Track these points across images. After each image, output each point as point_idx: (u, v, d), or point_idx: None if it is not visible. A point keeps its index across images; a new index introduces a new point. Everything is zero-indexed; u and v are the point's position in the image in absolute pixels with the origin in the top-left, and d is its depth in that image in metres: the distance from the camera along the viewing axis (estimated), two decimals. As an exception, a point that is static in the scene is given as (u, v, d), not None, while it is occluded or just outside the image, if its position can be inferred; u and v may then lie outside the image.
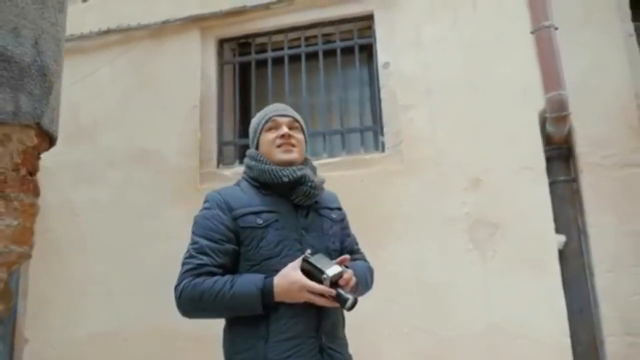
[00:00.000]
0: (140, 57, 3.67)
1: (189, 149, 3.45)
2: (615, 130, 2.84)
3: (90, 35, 3.74)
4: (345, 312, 1.53)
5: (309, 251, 1.44)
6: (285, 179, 1.55)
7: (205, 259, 1.48)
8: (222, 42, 3.69)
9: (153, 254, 3.31)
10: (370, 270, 1.71)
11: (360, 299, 1.43)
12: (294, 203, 1.58)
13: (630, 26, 2.96)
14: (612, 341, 2.68)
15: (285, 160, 1.59)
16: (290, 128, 1.65)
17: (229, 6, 3.54)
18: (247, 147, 3.50)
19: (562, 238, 2.84)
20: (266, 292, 1.41)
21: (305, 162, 1.68)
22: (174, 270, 3.29)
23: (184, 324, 3.09)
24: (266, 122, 1.67)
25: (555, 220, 2.83)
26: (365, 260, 1.75)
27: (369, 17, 3.40)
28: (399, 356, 2.83)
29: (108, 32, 3.72)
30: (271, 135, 1.63)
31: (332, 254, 1.55)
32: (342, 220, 1.73)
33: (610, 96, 2.88)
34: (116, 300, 3.34)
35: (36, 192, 1.16)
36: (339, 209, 1.74)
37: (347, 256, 1.49)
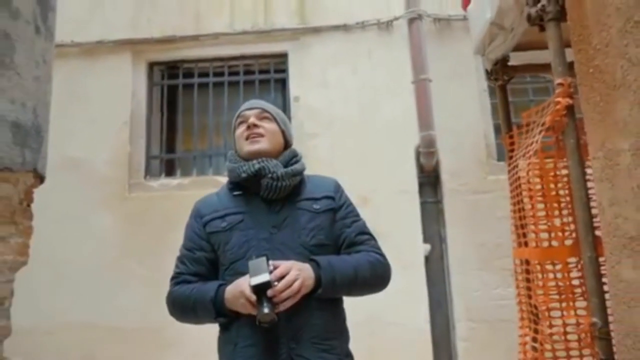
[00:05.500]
0: (73, 73, 3.96)
1: (119, 161, 3.83)
2: (469, 164, 3.66)
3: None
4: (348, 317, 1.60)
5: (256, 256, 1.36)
6: (244, 175, 1.47)
7: (182, 268, 1.50)
8: (152, 65, 4.09)
9: (78, 254, 3.66)
10: (371, 264, 1.47)
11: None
12: (265, 199, 1.48)
13: (484, 83, 3.80)
14: (460, 326, 3.50)
15: (252, 151, 1.51)
16: (260, 119, 1.56)
17: (160, 34, 3.97)
18: (172, 161, 4.00)
19: (427, 246, 3.63)
20: (217, 301, 1.37)
21: (282, 152, 1.56)
22: (100, 270, 3.65)
23: (102, 316, 3.50)
24: (236, 119, 1.62)
25: (423, 232, 3.62)
26: (373, 251, 1.51)
27: (284, 55, 4.00)
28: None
29: (40, 46, 3.95)
30: (240, 129, 1.57)
31: (311, 250, 1.43)
32: (333, 210, 1.52)
33: (467, 137, 3.70)
34: (39, 296, 3.62)
35: (32, 217, 1.62)
36: (329, 197, 1.53)
37: (279, 271, 1.31)
